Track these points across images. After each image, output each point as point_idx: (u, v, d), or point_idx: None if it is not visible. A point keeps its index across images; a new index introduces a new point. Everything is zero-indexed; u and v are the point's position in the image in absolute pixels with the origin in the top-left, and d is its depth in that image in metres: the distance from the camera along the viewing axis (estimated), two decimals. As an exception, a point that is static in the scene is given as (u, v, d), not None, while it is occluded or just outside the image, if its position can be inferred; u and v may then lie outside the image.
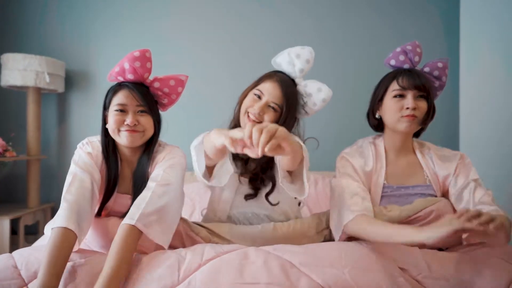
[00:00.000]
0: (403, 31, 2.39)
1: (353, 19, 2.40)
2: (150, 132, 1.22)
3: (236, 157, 1.29)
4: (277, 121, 1.20)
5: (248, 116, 1.21)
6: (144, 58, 1.19)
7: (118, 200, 1.21)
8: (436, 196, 1.22)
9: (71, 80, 2.38)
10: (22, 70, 2.07)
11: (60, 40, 2.38)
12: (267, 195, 1.25)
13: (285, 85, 1.22)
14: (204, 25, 2.40)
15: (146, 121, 1.19)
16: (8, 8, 2.39)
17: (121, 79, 1.21)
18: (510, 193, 1.82)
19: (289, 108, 1.20)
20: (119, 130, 1.17)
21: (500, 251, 1.01)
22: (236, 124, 1.30)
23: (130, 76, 1.20)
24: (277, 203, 1.27)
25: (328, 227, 1.25)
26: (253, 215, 1.28)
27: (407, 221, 1.12)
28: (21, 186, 2.33)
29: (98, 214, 1.20)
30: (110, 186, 1.19)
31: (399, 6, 2.39)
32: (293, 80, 1.27)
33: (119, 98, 1.17)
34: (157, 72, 1.37)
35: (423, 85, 1.20)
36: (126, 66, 1.18)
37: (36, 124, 2.21)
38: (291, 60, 1.26)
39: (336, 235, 1.14)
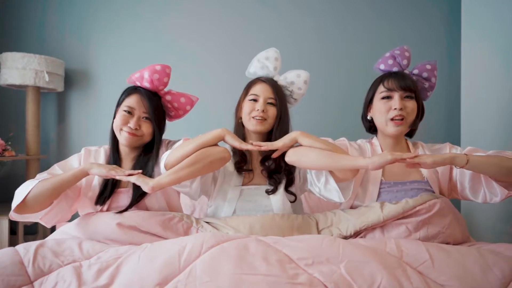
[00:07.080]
0: (404, 32, 2.38)
1: (352, 20, 2.39)
2: (148, 138, 1.31)
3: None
4: (276, 114, 1.33)
5: (254, 118, 1.31)
6: (163, 73, 1.29)
7: (117, 194, 1.28)
8: (433, 192, 1.26)
9: (70, 79, 2.37)
10: (21, 69, 2.06)
11: (59, 39, 2.37)
12: (286, 187, 1.34)
13: (272, 82, 1.35)
14: (204, 25, 2.39)
15: (147, 128, 1.28)
16: (8, 7, 2.37)
17: (138, 84, 1.31)
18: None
19: (281, 100, 1.34)
20: (121, 129, 1.26)
21: (506, 247, 1.04)
22: (239, 134, 1.36)
23: (146, 84, 1.29)
24: (295, 200, 1.35)
25: (329, 226, 1.25)
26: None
27: (411, 212, 1.15)
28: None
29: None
30: (112, 183, 1.26)
31: (400, 7, 2.39)
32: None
33: (130, 101, 1.27)
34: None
35: (409, 86, 1.25)
36: (146, 75, 1.27)
37: (35, 124, 2.20)
38: (263, 64, 1.38)
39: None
